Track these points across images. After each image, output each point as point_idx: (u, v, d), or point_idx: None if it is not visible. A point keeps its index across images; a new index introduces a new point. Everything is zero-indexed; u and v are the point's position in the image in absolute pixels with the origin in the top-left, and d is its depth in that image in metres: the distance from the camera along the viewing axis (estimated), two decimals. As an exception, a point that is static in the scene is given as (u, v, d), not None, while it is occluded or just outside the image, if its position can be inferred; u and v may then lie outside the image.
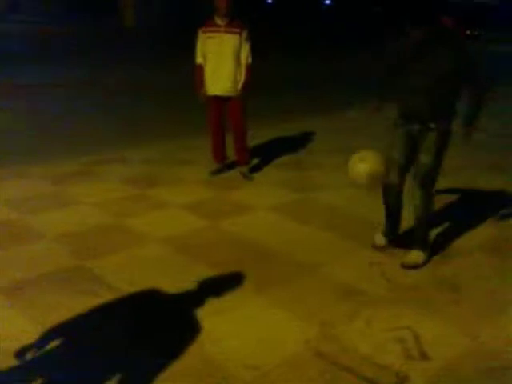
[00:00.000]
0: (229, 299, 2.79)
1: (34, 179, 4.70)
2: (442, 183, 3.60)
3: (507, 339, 2.49)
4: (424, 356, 2.35)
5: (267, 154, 5.74)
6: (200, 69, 4.73)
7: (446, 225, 3.83)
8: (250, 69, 4.72)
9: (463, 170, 5.13)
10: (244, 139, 4.97)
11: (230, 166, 5.18)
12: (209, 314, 2.64)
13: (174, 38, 19.73)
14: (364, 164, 2.97)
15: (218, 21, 4.60)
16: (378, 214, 3.52)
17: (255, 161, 5.39)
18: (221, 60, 4.62)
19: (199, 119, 5.44)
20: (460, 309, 2.74)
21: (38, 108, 7.95)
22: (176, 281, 2.97)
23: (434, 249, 3.39)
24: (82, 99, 8.66)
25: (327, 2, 43.94)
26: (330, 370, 2.24)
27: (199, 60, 4.73)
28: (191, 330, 2.51)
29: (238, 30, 4.60)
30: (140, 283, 2.95)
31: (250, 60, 4.70)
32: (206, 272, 3.09)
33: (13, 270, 3.07)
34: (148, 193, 4.50)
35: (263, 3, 39.74)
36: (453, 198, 4.40)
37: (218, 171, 5.09)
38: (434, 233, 3.59)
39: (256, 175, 5.05)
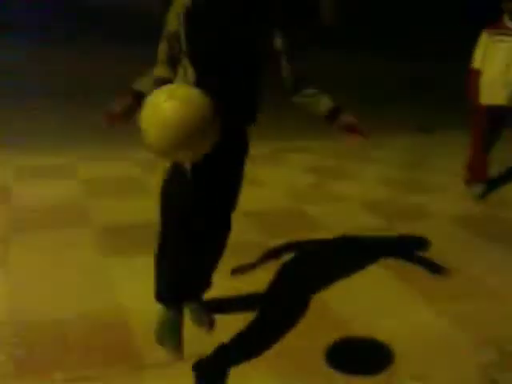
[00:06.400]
0: (394, 304, 2.75)
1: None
2: None
3: None
4: None
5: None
6: (477, 74, 4.32)
7: None
8: None
9: None
10: None
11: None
12: (372, 317, 2.64)
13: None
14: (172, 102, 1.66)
15: (509, 23, 4.20)
16: None
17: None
18: (509, 66, 4.19)
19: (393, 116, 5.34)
20: None
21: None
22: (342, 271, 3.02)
23: None
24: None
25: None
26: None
27: (477, 65, 4.33)
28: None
29: None
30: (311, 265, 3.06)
31: None
32: (353, 278, 3.08)
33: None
34: (327, 184, 4.61)
35: None
36: None
37: (483, 192, 4.49)
38: None
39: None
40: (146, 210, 3.44)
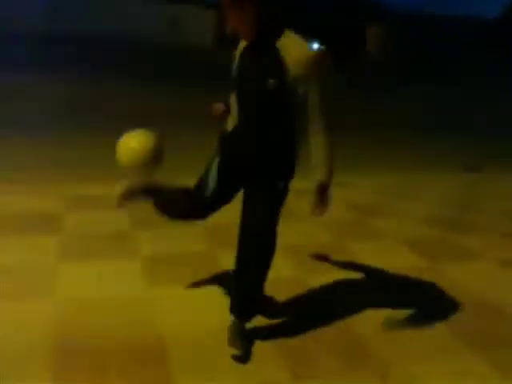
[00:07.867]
0: (436, 353, 2.66)
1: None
2: None
3: None
4: None
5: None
6: None
7: None
8: None
9: None
10: None
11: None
12: (411, 362, 2.58)
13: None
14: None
15: None
16: None
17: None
18: None
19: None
20: None
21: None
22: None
23: None
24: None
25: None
26: None
27: None
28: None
29: None
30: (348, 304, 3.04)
31: None
32: (393, 320, 3.01)
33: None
34: (368, 221, 4.56)
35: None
36: None
37: None
38: None
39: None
40: (187, 239, 3.51)
